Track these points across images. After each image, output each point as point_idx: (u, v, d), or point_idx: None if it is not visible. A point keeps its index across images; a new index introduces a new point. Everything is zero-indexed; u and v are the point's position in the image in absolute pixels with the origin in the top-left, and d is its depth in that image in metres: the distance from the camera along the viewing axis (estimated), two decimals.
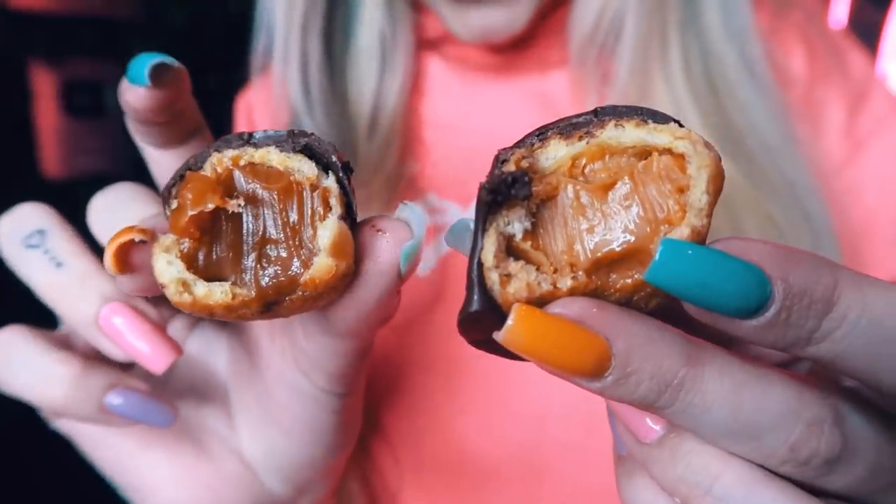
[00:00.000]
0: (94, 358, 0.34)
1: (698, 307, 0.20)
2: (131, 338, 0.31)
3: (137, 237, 0.24)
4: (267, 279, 0.25)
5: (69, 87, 1.99)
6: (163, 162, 0.34)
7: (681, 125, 0.23)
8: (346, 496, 0.53)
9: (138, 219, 0.28)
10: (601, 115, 0.24)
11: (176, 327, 0.38)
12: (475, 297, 0.22)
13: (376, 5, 0.58)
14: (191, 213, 0.24)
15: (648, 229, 0.22)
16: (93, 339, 0.32)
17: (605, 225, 0.23)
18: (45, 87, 1.94)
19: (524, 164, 0.23)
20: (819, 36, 0.58)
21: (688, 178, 0.21)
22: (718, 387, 0.21)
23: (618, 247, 0.22)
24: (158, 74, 0.29)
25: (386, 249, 0.25)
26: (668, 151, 0.22)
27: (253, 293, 0.24)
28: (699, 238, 0.21)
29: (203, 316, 0.24)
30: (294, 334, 0.33)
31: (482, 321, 0.22)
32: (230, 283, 0.24)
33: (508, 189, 0.23)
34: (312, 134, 0.26)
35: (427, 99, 0.60)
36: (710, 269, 0.20)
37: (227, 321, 0.37)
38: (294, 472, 0.37)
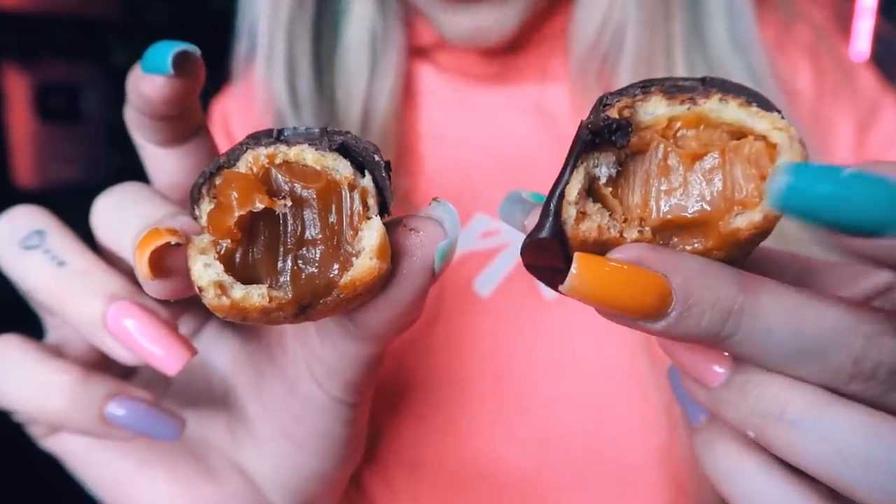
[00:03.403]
0: (93, 367, 0.34)
1: (829, 227, 0.21)
2: (142, 338, 0.30)
3: (173, 240, 0.24)
4: (304, 281, 0.25)
5: (43, 90, 1.98)
6: (164, 161, 0.34)
7: (783, 116, 0.24)
8: None
9: (149, 219, 0.29)
10: (709, 84, 0.25)
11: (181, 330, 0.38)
12: (547, 225, 0.24)
13: (366, 3, 0.58)
14: (239, 213, 0.24)
15: (723, 206, 0.24)
16: (99, 342, 0.32)
17: (683, 191, 0.25)
18: (17, 90, 1.93)
19: (626, 113, 0.25)
20: (828, 53, 0.59)
21: (773, 169, 0.23)
22: (777, 307, 0.23)
23: (689, 213, 0.24)
24: (182, 63, 0.29)
25: (420, 249, 0.26)
26: (763, 138, 0.24)
27: (290, 295, 0.24)
28: (770, 226, 0.23)
29: (236, 320, 0.24)
30: (308, 340, 0.33)
31: (545, 248, 0.25)
32: (266, 285, 0.25)
33: (610, 134, 0.25)
34: (348, 132, 0.27)
35: (420, 110, 0.61)
36: (842, 183, 0.20)
37: (242, 325, 0.37)
38: (302, 487, 0.38)
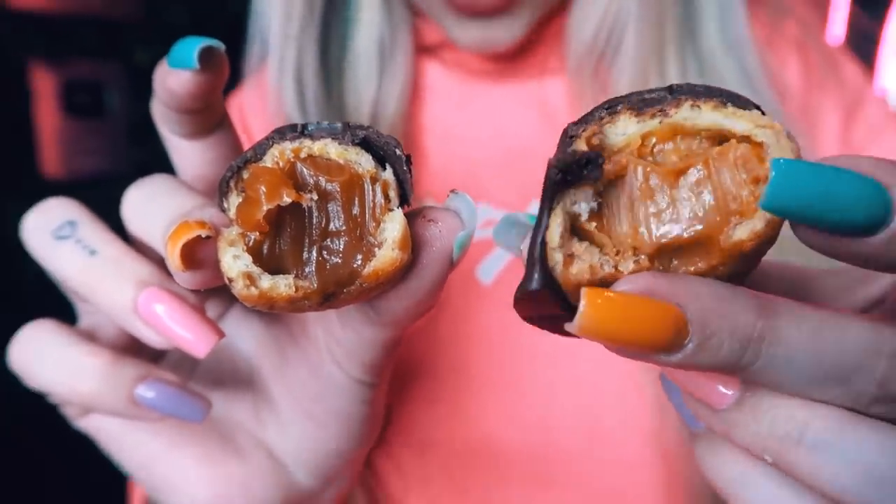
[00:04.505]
0: (124, 351, 0.33)
1: (821, 229, 0.19)
2: (172, 323, 0.30)
3: (203, 233, 0.24)
4: (328, 271, 0.25)
5: (69, 87, 1.97)
6: (189, 152, 0.34)
7: (763, 112, 0.22)
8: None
9: (178, 210, 0.28)
10: (677, 93, 0.23)
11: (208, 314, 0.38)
12: (535, 276, 0.22)
13: (375, 9, 0.57)
14: (267, 207, 0.24)
15: (718, 219, 0.21)
16: (130, 327, 0.31)
17: (673, 210, 0.22)
18: (45, 87, 1.92)
19: (595, 140, 0.23)
20: (814, 46, 0.58)
21: (766, 170, 0.21)
22: (797, 333, 0.20)
23: (685, 234, 0.22)
24: (207, 58, 0.29)
25: (439, 239, 0.26)
26: (747, 139, 0.21)
27: (315, 285, 0.24)
28: (774, 231, 0.21)
29: (263, 309, 0.24)
30: (329, 324, 0.33)
31: (538, 299, 0.22)
32: (293, 276, 0.24)
33: (580, 170, 0.22)
34: (370, 127, 0.26)
35: (425, 105, 0.60)
36: (832, 181, 0.19)
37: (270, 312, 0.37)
38: (324, 464, 0.37)
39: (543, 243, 0.22)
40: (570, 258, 0.22)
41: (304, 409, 0.36)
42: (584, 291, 0.20)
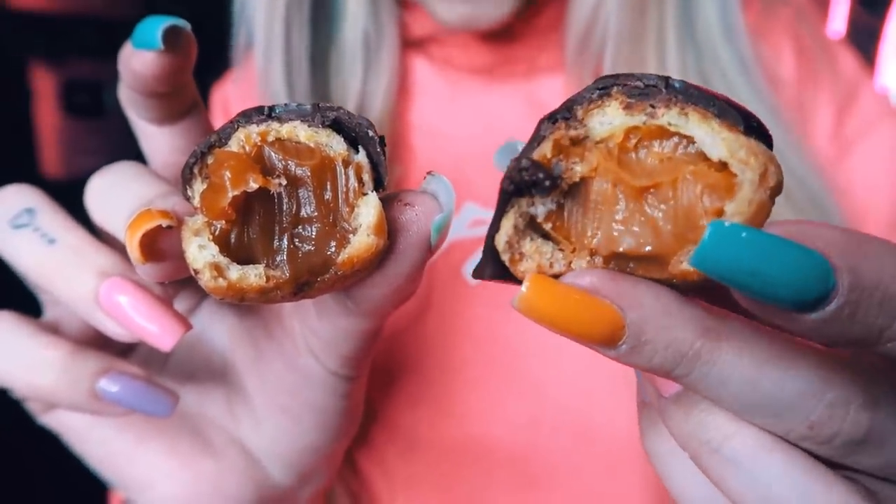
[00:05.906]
0: (88, 344, 0.32)
1: (750, 297, 0.19)
2: (136, 315, 0.28)
3: (165, 222, 0.23)
4: (301, 260, 0.24)
5: (69, 87, 1.96)
6: (158, 139, 0.33)
7: (747, 133, 0.21)
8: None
9: (141, 198, 0.27)
10: (670, 89, 0.22)
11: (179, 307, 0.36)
12: (488, 269, 0.23)
13: (359, 2, 0.56)
14: (232, 193, 0.23)
15: (673, 243, 0.21)
16: (92, 319, 0.29)
17: (633, 223, 0.22)
18: (45, 87, 1.91)
19: (564, 141, 0.22)
20: (809, 35, 0.57)
21: (727, 206, 0.20)
22: (737, 360, 0.20)
23: (640, 248, 0.22)
24: (172, 38, 0.27)
25: (416, 223, 0.25)
26: (724, 164, 0.21)
27: (287, 274, 0.23)
28: None
29: (233, 301, 0.23)
30: (305, 315, 0.32)
31: (494, 280, 0.23)
32: (263, 265, 0.23)
33: (528, 189, 0.22)
34: (341, 108, 0.25)
35: (413, 102, 0.58)
36: (766, 256, 0.18)
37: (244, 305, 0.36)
38: (299, 460, 0.36)
39: (494, 245, 0.22)
40: (519, 257, 0.22)
41: (279, 404, 0.35)
42: (528, 276, 0.21)
